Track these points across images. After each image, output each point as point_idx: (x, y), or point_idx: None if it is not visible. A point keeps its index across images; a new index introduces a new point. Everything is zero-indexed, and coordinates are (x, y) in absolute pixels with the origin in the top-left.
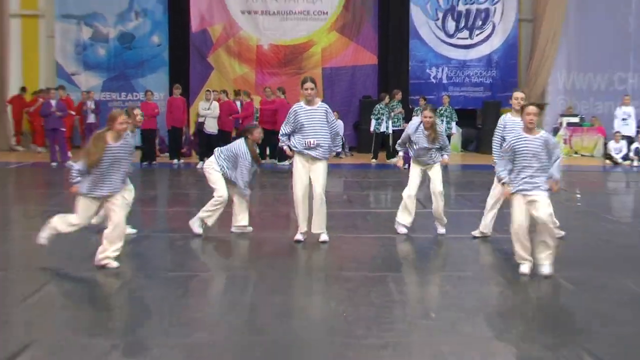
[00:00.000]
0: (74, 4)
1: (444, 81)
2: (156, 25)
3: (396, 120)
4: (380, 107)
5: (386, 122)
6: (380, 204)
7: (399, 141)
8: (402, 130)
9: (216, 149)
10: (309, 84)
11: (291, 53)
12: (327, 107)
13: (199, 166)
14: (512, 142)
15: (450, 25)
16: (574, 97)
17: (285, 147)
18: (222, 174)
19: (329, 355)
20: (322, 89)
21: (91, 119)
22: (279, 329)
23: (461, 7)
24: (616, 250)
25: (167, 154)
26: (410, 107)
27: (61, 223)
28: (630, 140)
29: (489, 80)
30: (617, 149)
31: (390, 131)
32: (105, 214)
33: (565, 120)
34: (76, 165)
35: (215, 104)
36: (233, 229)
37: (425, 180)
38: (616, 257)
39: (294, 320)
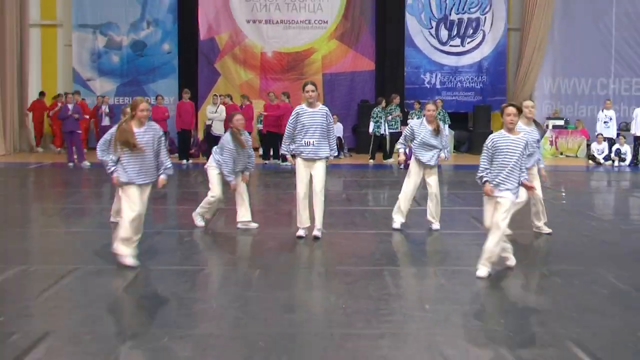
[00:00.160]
0: (90, 15)
1: (438, 86)
2: (166, 34)
3: (394, 123)
4: (378, 111)
5: (383, 124)
6: (378, 202)
7: (401, 139)
8: (399, 133)
9: (214, 147)
10: (310, 87)
11: (293, 60)
12: (328, 110)
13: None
14: (495, 139)
15: (443, 33)
16: (559, 102)
17: (287, 156)
18: (220, 171)
19: (329, 346)
20: (323, 93)
21: (105, 122)
22: (281, 321)
23: (453, 17)
24: (599, 246)
25: (177, 155)
26: (406, 110)
27: (124, 228)
28: (611, 141)
29: (479, 86)
30: (600, 150)
31: (387, 134)
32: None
33: (551, 123)
34: (107, 156)
35: (222, 108)
36: (238, 225)
37: (421, 184)
38: (599, 253)
39: (296, 313)
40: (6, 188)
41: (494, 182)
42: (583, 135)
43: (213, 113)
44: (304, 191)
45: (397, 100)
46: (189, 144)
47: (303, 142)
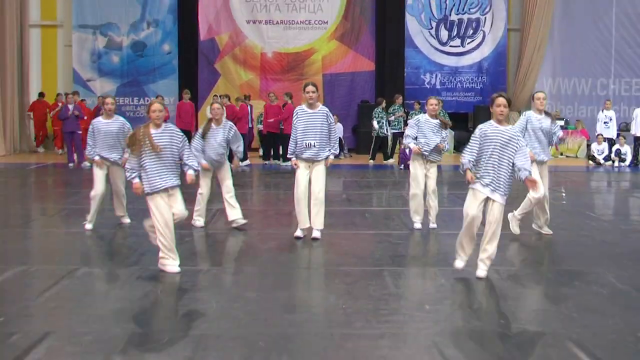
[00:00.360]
0: (90, 15)
1: (438, 87)
2: (167, 34)
3: (396, 123)
4: (379, 111)
5: (385, 125)
6: (378, 202)
7: (408, 133)
8: (401, 134)
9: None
10: (310, 88)
11: (293, 60)
12: (328, 110)
13: None
14: (483, 129)
15: (443, 34)
16: (559, 102)
17: (293, 159)
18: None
19: (329, 346)
20: (323, 94)
21: None
22: (281, 321)
23: (453, 17)
24: (599, 246)
25: None
26: (406, 111)
27: (159, 238)
28: (611, 142)
29: (479, 86)
30: (600, 150)
31: (389, 134)
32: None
33: None
34: (128, 164)
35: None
36: (232, 225)
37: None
38: (599, 254)
39: (296, 313)
40: (6, 188)
41: (483, 182)
42: (583, 136)
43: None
44: (303, 192)
45: (399, 100)
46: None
47: (304, 143)
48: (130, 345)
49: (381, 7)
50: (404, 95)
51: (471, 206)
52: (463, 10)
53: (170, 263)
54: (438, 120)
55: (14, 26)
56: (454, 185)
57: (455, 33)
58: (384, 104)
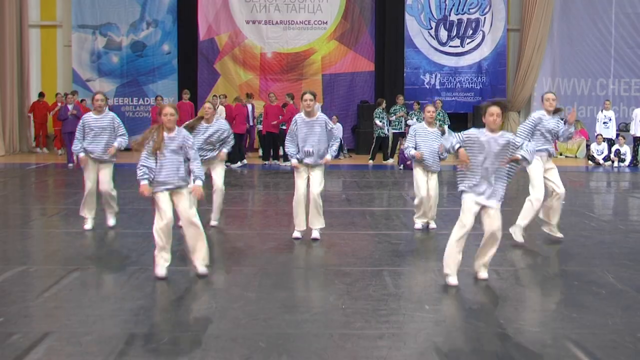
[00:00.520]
0: (89, 15)
1: (437, 87)
2: (166, 34)
3: (397, 123)
4: (380, 112)
5: (386, 125)
6: (377, 202)
7: (407, 144)
8: (401, 134)
9: None
10: (308, 96)
11: (293, 60)
12: (326, 117)
13: None
14: (473, 136)
15: (443, 34)
16: (558, 102)
17: (292, 159)
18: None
19: (329, 347)
20: (322, 94)
21: None
22: (281, 322)
23: (453, 17)
24: (598, 246)
25: None
26: (406, 111)
27: (157, 234)
28: (611, 142)
29: (479, 86)
30: (599, 150)
31: (390, 134)
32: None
33: None
34: (142, 162)
35: (222, 108)
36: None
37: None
38: (598, 254)
39: (295, 313)
40: (6, 188)
41: (477, 191)
42: (582, 136)
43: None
44: (302, 195)
45: (400, 100)
46: None
47: (304, 151)
48: (130, 346)
49: (381, 8)
50: (403, 95)
51: (467, 216)
52: (462, 10)
53: (159, 264)
54: (436, 129)
55: (14, 26)
56: (454, 185)
57: (454, 33)
58: (384, 104)
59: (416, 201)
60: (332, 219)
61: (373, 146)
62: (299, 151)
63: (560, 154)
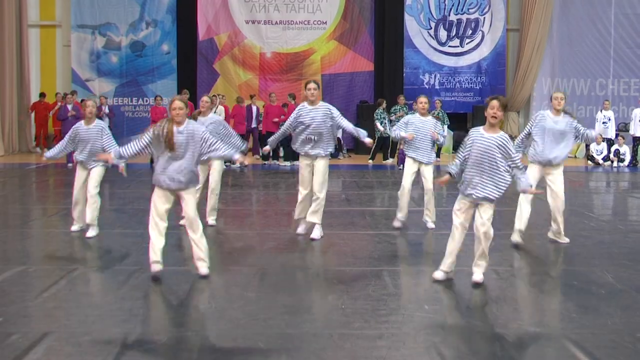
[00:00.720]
0: (88, 15)
1: (437, 87)
2: (165, 34)
3: (397, 123)
4: (380, 112)
5: (387, 125)
6: (377, 202)
7: (395, 129)
8: None
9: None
10: (312, 85)
11: (292, 60)
12: (330, 106)
13: None
14: (472, 136)
15: (442, 34)
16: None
17: (266, 148)
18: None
19: (328, 347)
20: (322, 94)
21: (105, 122)
22: (280, 322)
23: (452, 17)
24: (598, 246)
25: None
26: (407, 112)
27: (151, 232)
28: (610, 142)
29: (478, 86)
30: (599, 150)
31: (391, 134)
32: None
33: None
34: (132, 144)
35: (221, 108)
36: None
37: (418, 181)
38: (598, 254)
39: (295, 313)
40: (5, 189)
41: (469, 189)
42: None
43: (212, 113)
44: (306, 191)
45: (401, 100)
46: None
47: (305, 138)
48: (129, 346)
49: (380, 8)
50: (404, 95)
51: (458, 213)
52: (462, 10)
53: (151, 258)
54: (430, 118)
55: (13, 26)
56: (454, 185)
57: (454, 33)
58: (384, 105)
59: (399, 191)
60: (332, 219)
61: (373, 146)
62: (297, 145)
63: None
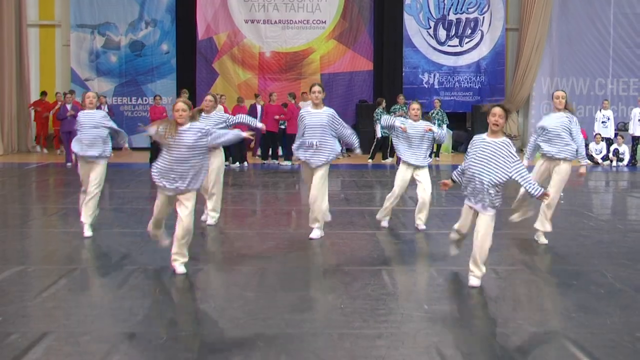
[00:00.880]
0: (88, 15)
1: (436, 86)
2: (165, 34)
3: None
4: (380, 112)
5: None
6: (376, 202)
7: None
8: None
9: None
10: (316, 88)
11: (292, 60)
12: (334, 112)
13: None
14: (474, 142)
15: (442, 33)
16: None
17: (296, 155)
18: None
19: (327, 346)
20: None
21: None
22: (280, 321)
23: (452, 17)
24: (597, 246)
25: None
26: (406, 111)
27: (152, 229)
28: (609, 141)
29: (477, 86)
30: (598, 150)
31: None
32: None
33: None
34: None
35: (221, 107)
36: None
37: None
38: (597, 253)
39: (294, 313)
40: (4, 188)
41: (470, 197)
42: (581, 135)
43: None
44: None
45: (401, 99)
46: None
47: (306, 142)
48: (128, 345)
49: (379, 7)
50: (403, 95)
51: (463, 221)
52: (461, 9)
53: (154, 232)
54: (422, 122)
55: (12, 26)
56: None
57: (453, 33)
58: (384, 104)
59: (389, 194)
60: (331, 219)
61: (373, 146)
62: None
63: None
